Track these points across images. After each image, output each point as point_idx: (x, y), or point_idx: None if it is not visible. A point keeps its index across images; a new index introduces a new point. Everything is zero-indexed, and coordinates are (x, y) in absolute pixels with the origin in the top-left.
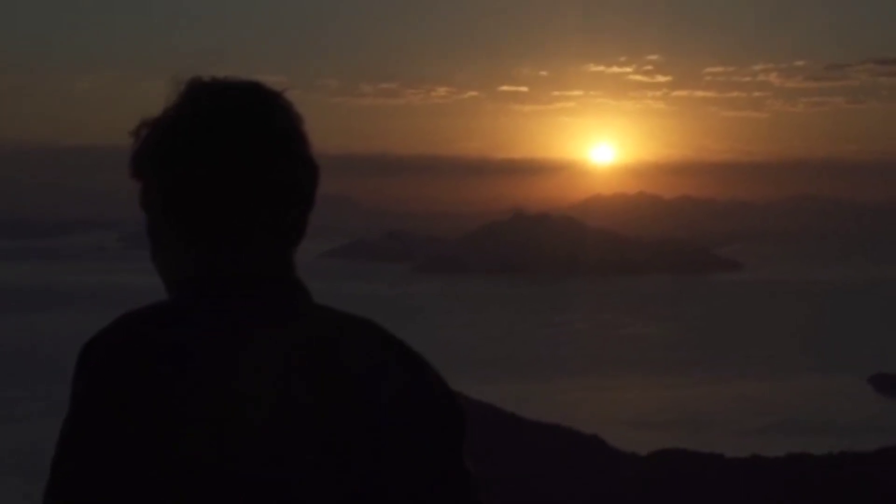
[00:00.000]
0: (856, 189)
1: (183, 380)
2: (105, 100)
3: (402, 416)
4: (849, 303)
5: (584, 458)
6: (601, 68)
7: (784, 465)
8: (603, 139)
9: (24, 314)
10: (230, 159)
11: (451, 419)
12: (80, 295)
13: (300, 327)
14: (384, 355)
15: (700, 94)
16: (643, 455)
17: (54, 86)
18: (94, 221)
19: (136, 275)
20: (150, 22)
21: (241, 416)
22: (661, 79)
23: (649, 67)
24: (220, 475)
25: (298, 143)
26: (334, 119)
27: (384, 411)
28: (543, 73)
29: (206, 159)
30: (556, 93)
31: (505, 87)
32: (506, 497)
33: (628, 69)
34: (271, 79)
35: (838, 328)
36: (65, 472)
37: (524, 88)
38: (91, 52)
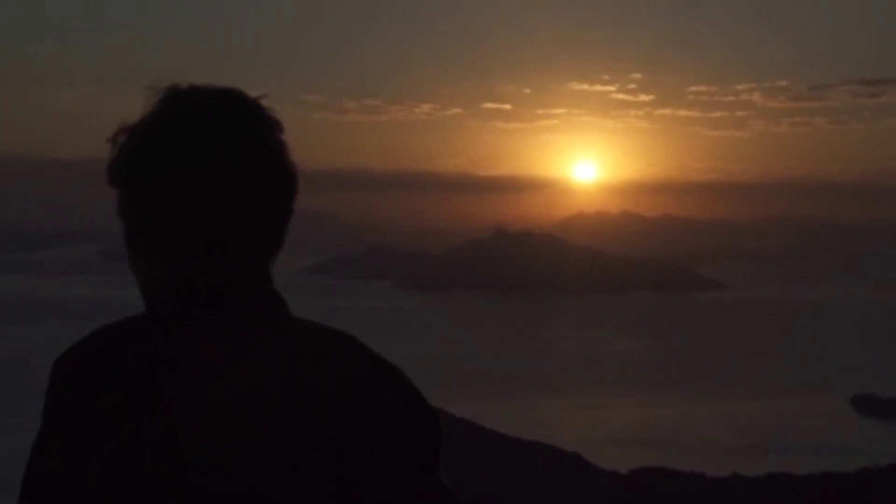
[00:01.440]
0: (837, 209)
1: (154, 393)
2: (87, 112)
3: (377, 429)
4: (831, 323)
5: (565, 476)
6: (584, 87)
7: (765, 485)
8: (586, 157)
9: (3, 327)
10: (207, 167)
11: (427, 433)
12: (62, 308)
13: (278, 340)
14: (361, 369)
15: (683, 113)
16: (624, 473)
17: (36, 98)
18: (75, 234)
19: (119, 288)
20: (133, 36)
21: (214, 429)
22: (644, 97)
23: (633, 86)
24: (190, 487)
25: (277, 151)
26: (317, 134)
27: (360, 425)
28: (527, 90)
29: (182, 167)
30: (540, 111)
31: (488, 105)
32: None
33: (611, 88)
34: (254, 93)
35: (820, 348)
36: (32, 483)
37: (507, 106)
38: (73, 65)
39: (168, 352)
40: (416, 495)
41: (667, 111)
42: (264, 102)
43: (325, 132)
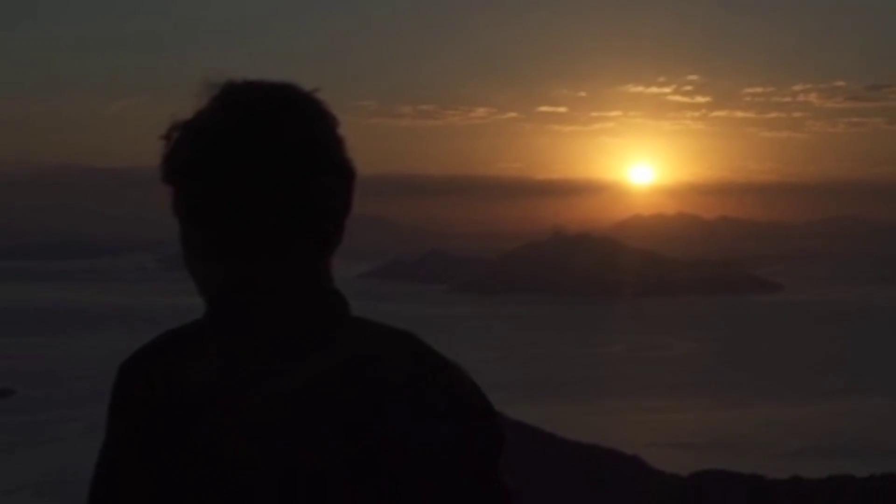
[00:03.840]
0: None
1: (211, 396)
2: (138, 122)
3: (437, 429)
4: (888, 324)
5: (626, 479)
6: (640, 89)
7: (825, 487)
8: (642, 160)
9: (64, 335)
10: (263, 165)
11: (489, 433)
12: (121, 316)
13: (333, 344)
14: (420, 369)
15: (739, 114)
16: (684, 476)
17: (88, 109)
18: (133, 243)
19: (177, 296)
20: (183, 45)
21: (267, 431)
22: (700, 99)
23: (688, 88)
24: (243, 487)
25: (333, 148)
26: (373, 140)
27: (419, 425)
28: (582, 93)
29: (237, 164)
30: (595, 113)
31: (544, 108)
32: None
33: (667, 90)
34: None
35: (878, 350)
36: (97, 489)
37: (563, 109)
38: (123, 77)
39: (226, 355)
40: (477, 499)
41: (723, 113)
42: (319, 96)
43: (380, 137)
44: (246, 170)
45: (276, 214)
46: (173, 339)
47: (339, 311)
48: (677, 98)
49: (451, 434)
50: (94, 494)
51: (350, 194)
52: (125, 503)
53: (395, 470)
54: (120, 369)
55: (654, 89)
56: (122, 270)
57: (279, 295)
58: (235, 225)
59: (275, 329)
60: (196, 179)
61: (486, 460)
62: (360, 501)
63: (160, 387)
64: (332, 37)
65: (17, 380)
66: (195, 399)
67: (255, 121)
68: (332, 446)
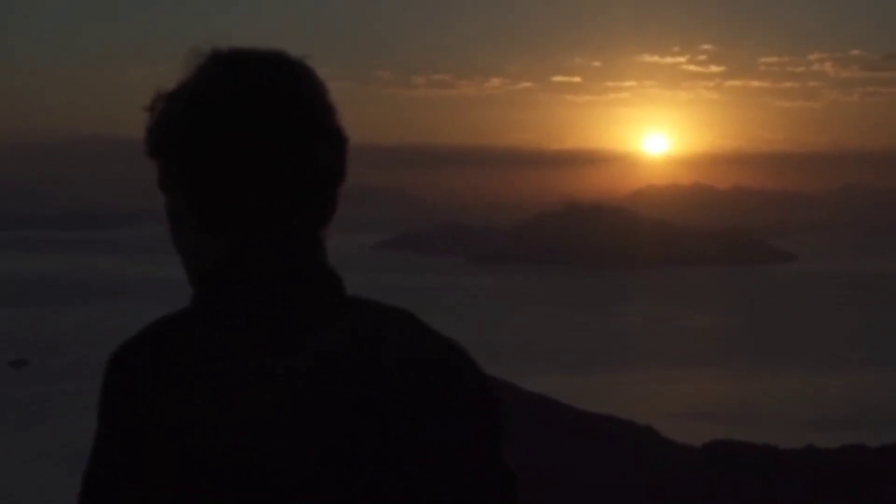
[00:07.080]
0: None
1: (204, 385)
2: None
3: (437, 415)
4: None
5: (638, 449)
6: (655, 58)
7: (839, 457)
8: (656, 129)
9: (83, 305)
10: (254, 138)
11: (487, 414)
12: (141, 286)
13: (333, 327)
14: (420, 352)
15: (754, 83)
16: (697, 446)
17: (110, 78)
18: (156, 213)
19: None
20: (204, 13)
21: (266, 418)
22: (714, 69)
23: (703, 57)
24: (239, 478)
25: (325, 116)
26: (388, 110)
27: (419, 411)
28: (597, 63)
29: (228, 138)
30: (610, 83)
31: (558, 78)
32: (559, 487)
33: (682, 59)
34: (323, 71)
35: (893, 321)
36: (88, 481)
37: (577, 79)
38: (143, 45)
39: (222, 340)
40: (476, 481)
41: (738, 82)
42: (309, 63)
43: (394, 108)
44: (233, 140)
45: (267, 185)
46: (165, 329)
47: (338, 290)
48: (692, 68)
49: (451, 419)
50: (86, 487)
51: (343, 162)
52: (118, 498)
53: (396, 456)
54: (109, 362)
55: (668, 59)
56: (143, 240)
57: (276, 273)
58: (224, 198)
59: (273, 311)
60: (182, 151)
61: (487, 443)
62: (361, 488)
63: (151, 380)
64: (347, 7)
65: (31, 350)
66: (190, 390)
67: (242, 89)
68: (334, 433)
